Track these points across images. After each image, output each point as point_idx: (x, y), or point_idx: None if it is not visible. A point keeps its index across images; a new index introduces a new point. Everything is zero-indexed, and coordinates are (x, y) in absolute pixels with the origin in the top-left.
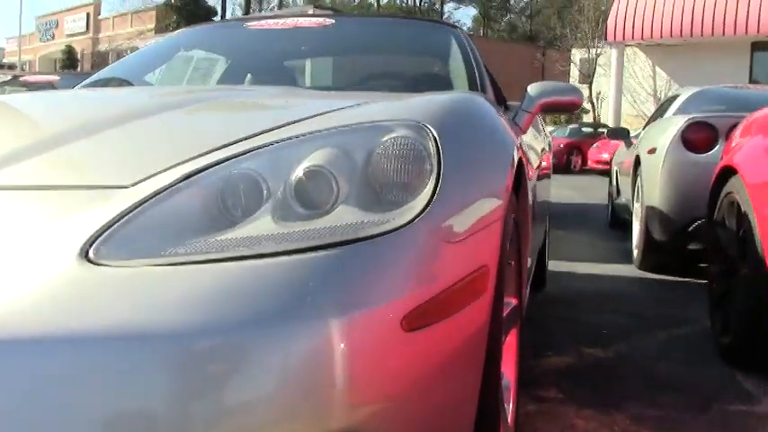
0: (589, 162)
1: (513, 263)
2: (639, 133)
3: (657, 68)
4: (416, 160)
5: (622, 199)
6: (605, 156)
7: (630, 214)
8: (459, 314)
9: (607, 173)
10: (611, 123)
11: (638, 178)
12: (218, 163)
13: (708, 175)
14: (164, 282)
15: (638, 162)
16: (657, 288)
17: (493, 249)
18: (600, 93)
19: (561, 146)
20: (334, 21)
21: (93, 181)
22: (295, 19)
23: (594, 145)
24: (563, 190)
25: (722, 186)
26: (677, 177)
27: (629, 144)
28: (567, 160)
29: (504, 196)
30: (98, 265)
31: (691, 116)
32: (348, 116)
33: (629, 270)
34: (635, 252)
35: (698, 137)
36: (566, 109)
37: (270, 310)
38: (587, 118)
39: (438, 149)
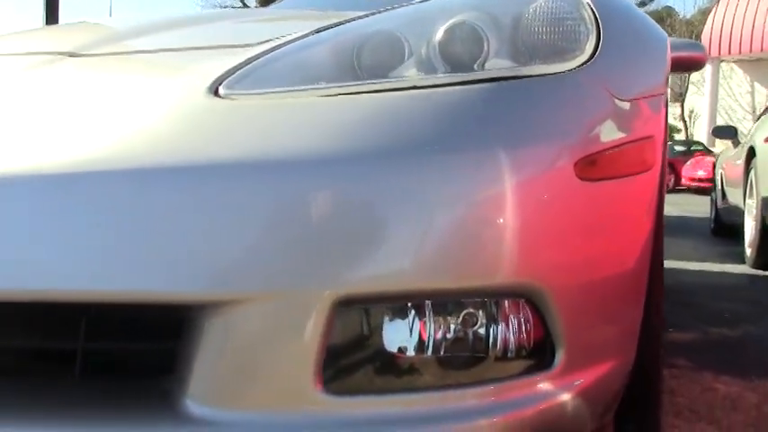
0: (683, 180)
1: None
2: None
3: (756, 84)
4: (573, 21)
5: (729, 202)
6: (701, 173)
7: (741, 215)
8: (629, 180)
9: (702, 190)
10: (705, 142)
11: (752, 171)
12: (352, 21)
13: None
14: (302, 111)
15: (751, 154)
16: None
17: (659, 123)
18: (693, 111)
19: None
20: None
21: (221, 42)
22: None
23: (688, 162)
24: None
25: None
26: None
27: (736, 143)
28: None
29: (664, 77)
30: (228, 99)
31: None
32: None
33: (741, 269)
34: (748, 251)
35: None
36: (687, 66)
37: (424, 139)
38: (679, 137)
39: (595, 16)
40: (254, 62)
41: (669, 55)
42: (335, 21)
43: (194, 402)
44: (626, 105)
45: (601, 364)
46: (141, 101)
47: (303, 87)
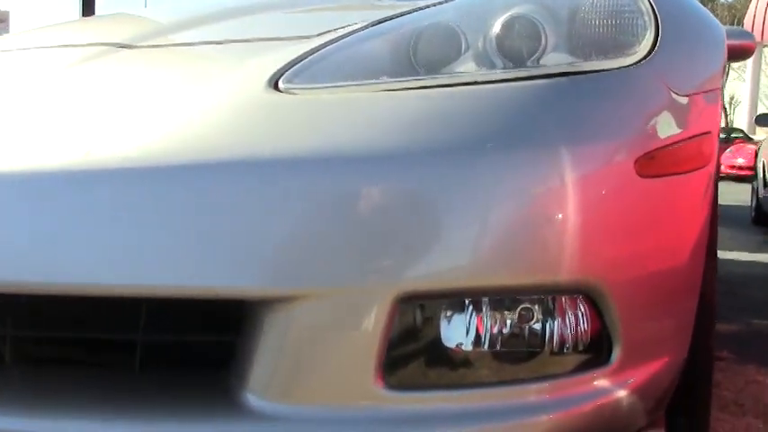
0: (722, 167)
1: None
2: None
3: None
4: (631, 14)
5: None
6: (740, 161)
7: None
8: (688, 176)
9: (743, 178)
10: (746, 129)
11: None
12: (408, 13)
13: None
14: (362, 106)
15: None
16: None
17: (715, 118)
18: (733, 97)
19: None
20: None
21: (275, 35)
22: None
23: (728, 150)
24: None
25: None
26: None
27: None
28: None
29: (722, 70)
30: (288, 93)
31: None
32: None
33: None
34: None
35: None
36: (737, 55)
37: (484, 135)
38: None
39: (652, 8)
40: (313, 55)
41: (726, 46)
42: (390, 12)
43: (254, 396)
44: (685, 101)
45: (656, 359)
46: (201, 94)
47: (362, 82)
